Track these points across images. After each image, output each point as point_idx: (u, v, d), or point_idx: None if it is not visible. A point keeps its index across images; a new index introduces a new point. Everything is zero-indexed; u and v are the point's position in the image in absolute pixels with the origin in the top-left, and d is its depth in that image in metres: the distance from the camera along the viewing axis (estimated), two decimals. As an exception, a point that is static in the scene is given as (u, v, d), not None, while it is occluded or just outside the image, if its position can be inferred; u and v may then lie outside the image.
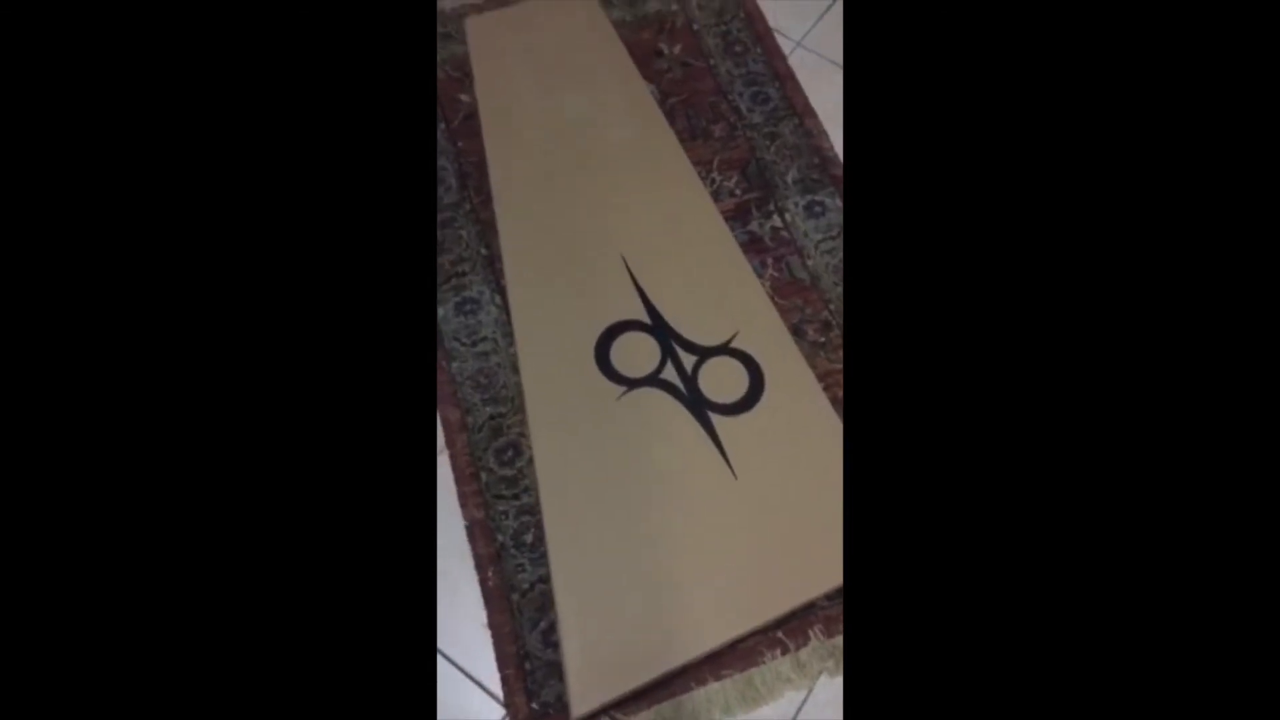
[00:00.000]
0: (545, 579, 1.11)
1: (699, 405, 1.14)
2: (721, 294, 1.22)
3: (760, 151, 1.45)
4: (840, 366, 1.23)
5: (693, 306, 1.20)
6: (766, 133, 1.47)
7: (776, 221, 1.38)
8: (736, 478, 1.09)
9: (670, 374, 1.17)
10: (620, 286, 1.22)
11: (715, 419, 1.13)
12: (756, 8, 1.60)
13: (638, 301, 1.21)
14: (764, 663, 1.05)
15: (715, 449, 1.10)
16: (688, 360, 1.17)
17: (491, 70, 1.46)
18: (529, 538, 1.14)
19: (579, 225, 1.29)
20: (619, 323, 1.20)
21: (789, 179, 1.42)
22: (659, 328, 1.20)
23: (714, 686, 1.05)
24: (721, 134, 1.46)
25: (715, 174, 1.42)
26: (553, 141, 1.38)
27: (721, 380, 1.15)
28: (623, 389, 1.15)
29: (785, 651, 1.06)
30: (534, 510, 1.15)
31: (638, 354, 1.17)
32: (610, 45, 1.50)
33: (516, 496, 1.17)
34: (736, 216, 1.38)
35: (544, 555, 1.11)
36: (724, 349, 1.18)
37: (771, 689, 1.06)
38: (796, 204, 1.40)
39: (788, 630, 1.06)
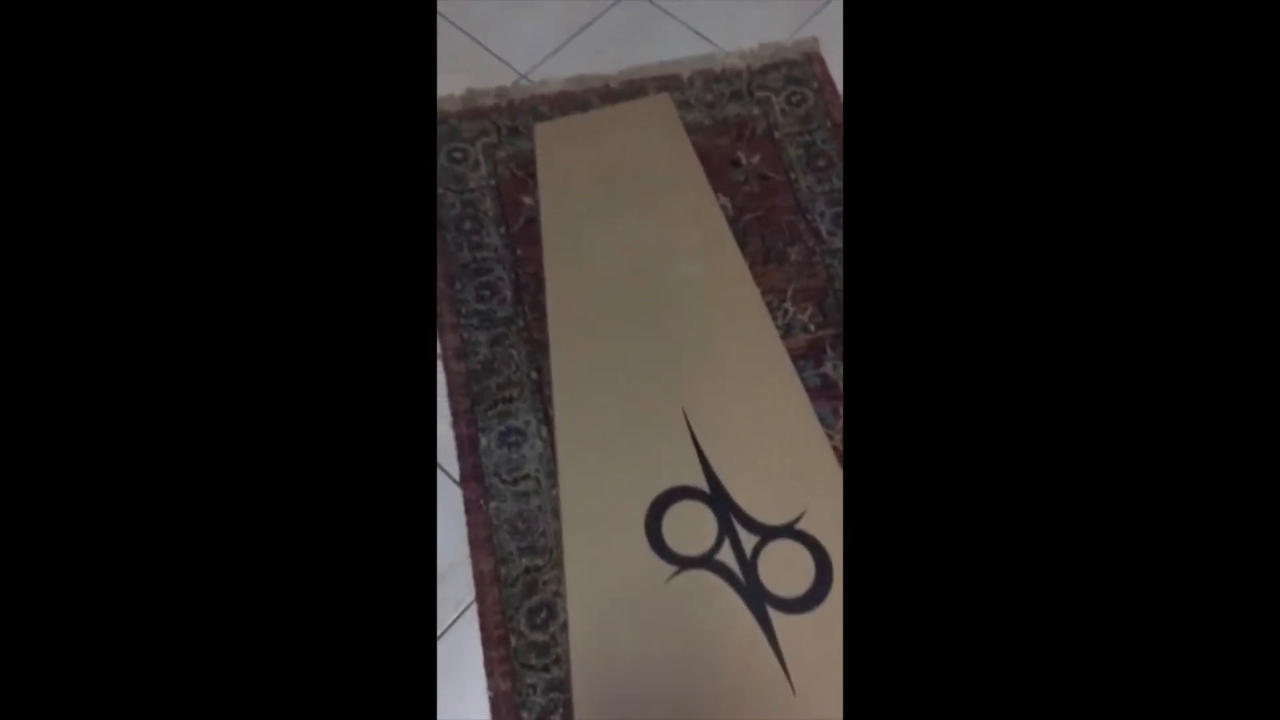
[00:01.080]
0: (572, 773, 1.00)
1: (757, 598, 1.03)
2: (790, 463, 1.11)
3: (839, 282, 1.33)
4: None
5: (757, 476, 1.09)
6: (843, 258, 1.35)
7: (853, 366, 1.26)
8: (795, 693, 0.97)
9: (727, 555, 1.05)
10: (680, 446, 1.12)
11: (775, 616, 1.02)
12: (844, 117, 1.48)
13: (697, 466, 1.10)
14: None
15: (773, 654, 0.99)
16: (748, 541, 1.06)
17: (557, 179, 1.37)
18: (556, 718, 1.04)
19: (638, 369, 1.19)
20: (675, 489, 1.09)
21: (869, 317, 1.30)
22: (719, 499, 1.09)
23: None
24: (798, 258, 1.35)
25: (789, 305, 1.30)
26: (616, 268, 1.28)
27: (784, 568, 1.04)
28: (673, 569, 1.05)
29: None
30: (563, 687, 1.05)
31: (693, 528, 1.07)
32: (684, 159, 1.40)
33: (546, 668, 1.07)
34: (808, 355, 1.26)
35: (573, 743, 1.01)
36: (789, 530, 1.06)
37: None
38: (876, 348, 1.27)
39: None
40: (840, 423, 1.20)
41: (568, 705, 1.02)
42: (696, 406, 1.15)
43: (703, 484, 1.09)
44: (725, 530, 1.07)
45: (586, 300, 1.26)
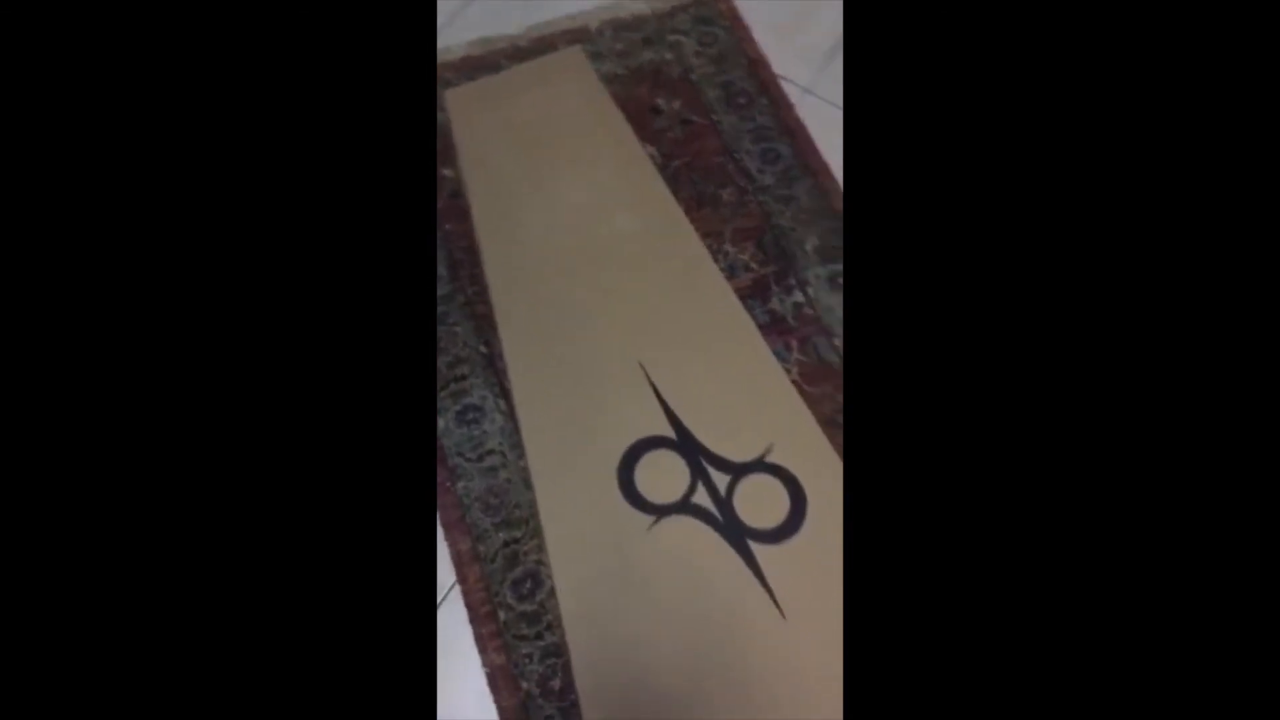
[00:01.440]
0: (580, 733, 1.01)
1: (737, 533, 1.04)
2: (752, 398, 1.12)
3: (775, 218, 1.34)
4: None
5: (721, 416, 1.10)
6: (780, 196, 1.35)
7: (799, 297, 1.27)
8: (785, 617, 0.99)
9: (702, 497, 1.06)
10: (641, 398, 1.11)
11: (756, 549, 1.03)
12: (759, 52, 1.47)
13: (661, 415, 1.10)
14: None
15: (759, 585, 1.01)
16: (720, 480, 1.07)
17: (477, 146, 1.33)
18: (555, 684, 1.04)
19: (589, 328, 1.17)
20: (642, 440, 1.09)
21: (808, 248, 1.31)
22: (687, 444, 1.09)
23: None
24: (731, 199, 1.35)
25: (729, 247, 1.30)
26: (552, 230, 1.26)
27: (759, 502, 1.05)
28: (652, 518, 1.05)
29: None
30: (559, 652, 1.05)
31: (665, 476, 1.07)
32: (605, 112, 1.37)
33: (539, 636, 1.06)
34: (755, 294, 1.27)
35: (575, 705, 1.01)
36: (759, 465, 1.08)
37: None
38: (819, 276, 1.29)
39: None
40: (793, 355, 1.22)
41: (566, 667, 1.03)
42: (652, 357, 1.14)
43: (669, 432, 1.10)
44: (697, 473, 1.07)
45: (526, 266, 1.24)
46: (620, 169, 1.32)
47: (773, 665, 0.97)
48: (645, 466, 1.08)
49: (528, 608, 1.08)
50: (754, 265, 1.30)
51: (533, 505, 1.11)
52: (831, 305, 1.27)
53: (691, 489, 1.06)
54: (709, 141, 1.40)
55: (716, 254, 1.29)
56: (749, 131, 1.41)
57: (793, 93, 1.44)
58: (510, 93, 1.36)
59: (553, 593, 1.07)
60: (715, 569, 1.02)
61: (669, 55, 1.47)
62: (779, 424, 1.09)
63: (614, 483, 1.07)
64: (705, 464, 1.08)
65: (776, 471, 1.07)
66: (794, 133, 1.40)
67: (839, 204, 1.34)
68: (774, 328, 1.24)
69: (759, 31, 1.49)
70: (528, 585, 1.09)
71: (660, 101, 1.43)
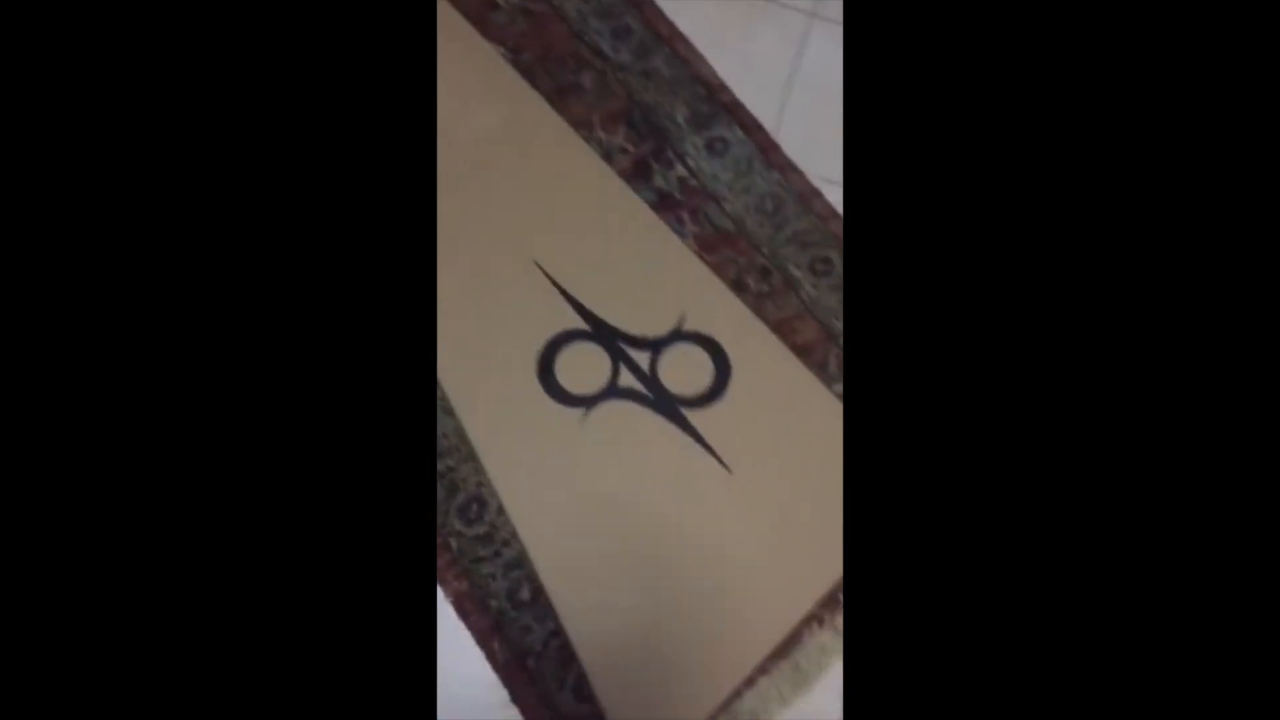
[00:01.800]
0: (557, 631, 1.01)
1: (669, 406, 1.04)
2: (656, 274, 1.11)
3: (639, 94, 1.30)
4: (794, 313, 1.15)
5: (629, 297, 1.09)
6: (639, 72, 1.32)
7: (681, 170, 1.26)
8: (731, 471, 1.01)
9: (628, 379, 1.06)
10: (544, 297, 1.08)
11: (690, 415, 1.04)
12: (586, -73, 1.40)
13: (567, 308, 1.08)
14: (804, 641, 1.02)
15: (700, 447, 1.02)
16: (642, 358, 1.07)
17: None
18: (525, 594, 1.04)
19: (475, 240, 1.12)
20: (555, 338, 1.07)
21: (679, 119, 1.29)
22: (601, 331, 1.08)
23: (763, 683, 1.00)
24: (592, 84, 1.30)
25: (600, 133, 1.27)
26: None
27: (683, 371, 1.06)
28: (581, 410, 1.04)
29: (822, 623, 1.02)
30: (521, 563, 1.04)
31: (586, 367, 1.06)
32: (443, 14, 1.28)
33: (498, 553, 1.05)
34: (637, 175, 1.24)
35: (547, 607, 1.02)
36: (677, 335, 1.07)
37: (819, 665, 1.02)
38: (696, 146, 1.27)
39: (820, 600, 1.02)
40: (688, 228, 1.21)
41: (531, 577, 1.02)
42: (548, 253, 1.11)
43: (580, 323, 1.08)
44: (617, 356, 1.06)
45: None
46: (472, 70, 1.25)
47: (729, 519, 1.00)
48: (564, 362, 1.06)
49: (479, 530, 1.06)
50: (629, 147, 1.26)
51: (459, 430, 1.08)
52: (715, 172, 1.26)
53: (615, 373, 1.06)
54: (555, 28, 1.34)
55: (590, 141, 1.25)
56: (593, 12, 1.35)
57: (630, -37, 1.38)
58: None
59: (501, 510, 1.05)
60: (654, 443, 1.02)
61: (494, -56, 1.38)
62: (687, 293, 1.09)
63: (537, 385, 1.05)
64: (623, 346, 1.07)
65: (694, 338, 1.07)
66: (639, 3, 1.35)
67: (700, 69, 1.32)
68: (663, 205, 1.22)
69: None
70: (474, 509, 1.07)
71: (496, -4, 1.35)
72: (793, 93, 1.32)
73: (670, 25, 1.34)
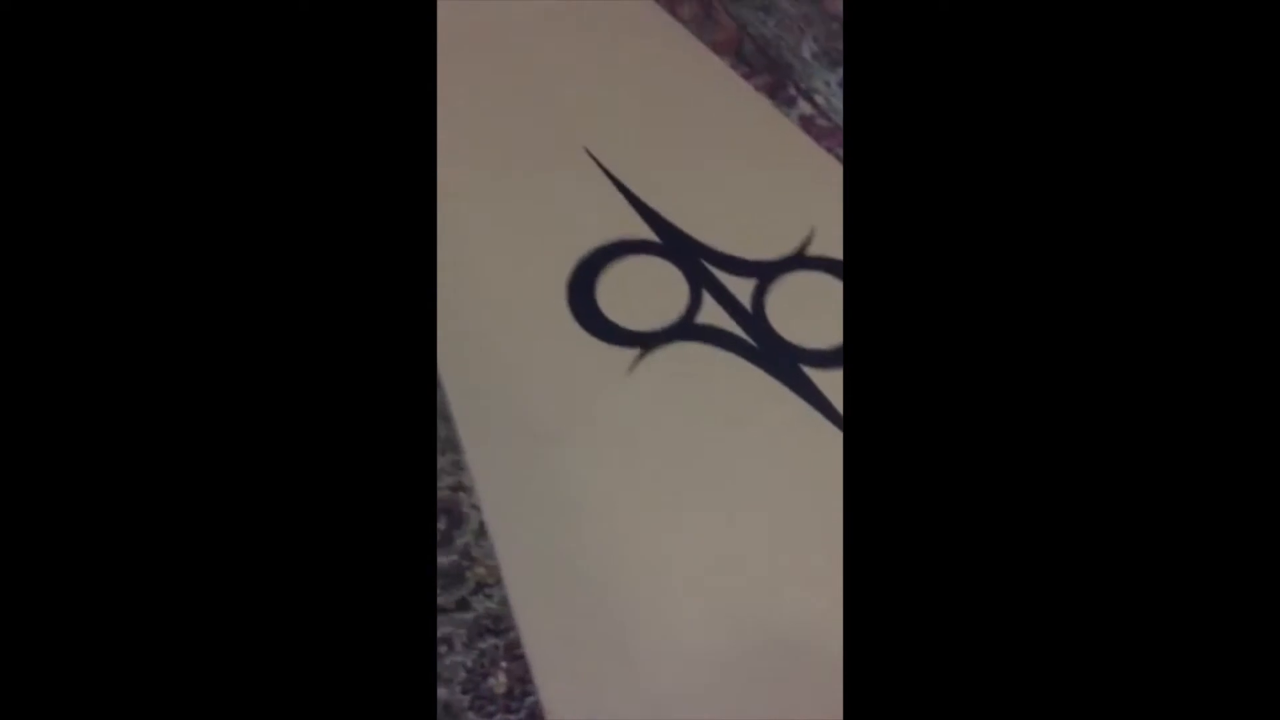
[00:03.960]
0: None
1: (780, 357, 0.64)
2: (766, 173, 0.76)
3: (754, 28, 1.02)
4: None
5: (724, 201, 0.73)
6: (758, 6, 1.05)
7: (804, 109, 0.94)
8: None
9: (715, 314, 0.67)
10: (594, 195, 0.73)
11: (813, 375, 0.63)
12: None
13: (629, 211, 0.72)
14: None
15: (822, 418, 0.60)
16: (741, 288, 0.68)
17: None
18: (496, 684, 0.59)
19: (503, 120, 0.79)
20: (602, 249, 0.70)
21: (805, 54, 1.00)
22: (675, 243, 0.70)
23: None
24: (693, 15, 1.04)
25: (697, 61, 0.98)
26: None
27: (805, 311, 0.67)
28: (635, 352, 0.65)
29: None
30: (500, 629, 0.61)
31: (648, 292, 0.68)
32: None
33: (465, 605, 0.62)
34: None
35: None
36: (798, 260, 0.69)
37: None
38: (828, 83, 0.97)
39: None
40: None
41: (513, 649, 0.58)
42: (605, 140, 0.76)
43: (645, 231, 0.70)
44: (699, 281, 0.68)
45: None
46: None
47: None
48: (612, 282, 0.69)
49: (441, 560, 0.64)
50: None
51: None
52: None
53: (694, 304, 0.67)
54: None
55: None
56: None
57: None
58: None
59: (483, 532, 0.65)
60: (749, 407, 0.61)
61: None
62: (815, 205, 0.72)
63: (566, 311, 0.67)
64: (710, 267, 0.68)
65: (825, 266, 0.68)
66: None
67: (832, 6, 1.05)
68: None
69: None
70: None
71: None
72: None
73: (798, -36, 1.08)
